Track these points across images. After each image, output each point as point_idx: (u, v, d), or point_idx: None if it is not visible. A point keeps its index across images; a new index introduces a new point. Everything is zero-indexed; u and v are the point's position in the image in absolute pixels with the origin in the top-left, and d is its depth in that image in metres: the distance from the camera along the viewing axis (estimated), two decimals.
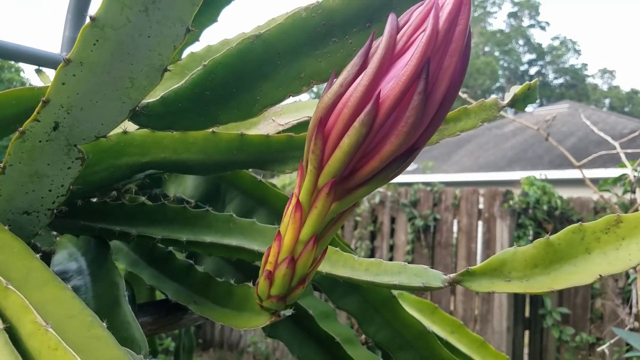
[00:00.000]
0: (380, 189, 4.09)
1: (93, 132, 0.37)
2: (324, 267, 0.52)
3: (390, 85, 0.32)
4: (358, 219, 4.11)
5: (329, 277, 0.53)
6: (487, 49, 31.47)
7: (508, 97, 0.57)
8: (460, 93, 0.57)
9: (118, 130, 0.49)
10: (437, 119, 0.33)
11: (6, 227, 0.38)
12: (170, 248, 0.61)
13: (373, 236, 4.06)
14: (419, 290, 0.51)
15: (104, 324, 0.33)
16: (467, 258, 3.56)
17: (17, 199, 0.38)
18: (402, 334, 0.68)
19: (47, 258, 0.59)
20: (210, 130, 0.49)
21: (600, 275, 0.43)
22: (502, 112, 0.60)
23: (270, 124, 0.58)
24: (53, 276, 0.35)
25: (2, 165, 0.36)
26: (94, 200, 0.57)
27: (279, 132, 0.57)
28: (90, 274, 0.52)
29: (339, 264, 0.53)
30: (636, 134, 2.19)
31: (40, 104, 0.34)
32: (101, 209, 0.55)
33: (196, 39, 0.56)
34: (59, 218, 0.51)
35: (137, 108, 0.38)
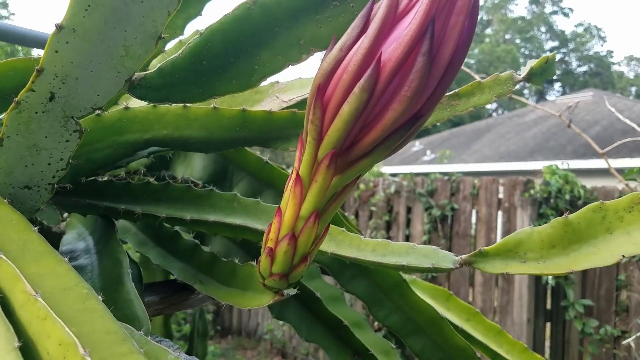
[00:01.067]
0: (396, 179, 4.03)
1: (89, 103, 0.36)
2: (330, 247, 0.51)
3: (393, 47, 0.30)
4: (373, 209, 4.08)
5: (337, 259, 0.52)
6: (507, 36, 30.52)
7: (524, 70, 0.54)
8: (480, 80, 0.54)
9: (120, 106, 0.49)
10: (443, 83, 0.31)
11: (6, 201, 0.37)
12: (177, 228, 0.61)
13: (389, 226, 4.03)
14: (428, 272, 0.49)
15: (100, 297, 0.32)
16: None
17: (17, 173, 0.38)
18: (413, 319, 0.66)
19: (57, 238, 0.60)
20: (212, 106, 0.47)
21: (623, 256, 0.41)
22: (523, 100, 0.56)
23: (274, 100, 0.56)
24: (50, 249, 0.34)
25: None
26: (100, 179, 0.57)
27: (283, 109, 0.55)
28: (96, 253, 0.52)
29: (345, 244, 0.51)
30: None
31: (35, 72, 0.34)
32: (107, 188, 0.55)
33: (198, 13, 0.55)
34: (64, 195, 0.52)
35: (134, 79, 0.37)
